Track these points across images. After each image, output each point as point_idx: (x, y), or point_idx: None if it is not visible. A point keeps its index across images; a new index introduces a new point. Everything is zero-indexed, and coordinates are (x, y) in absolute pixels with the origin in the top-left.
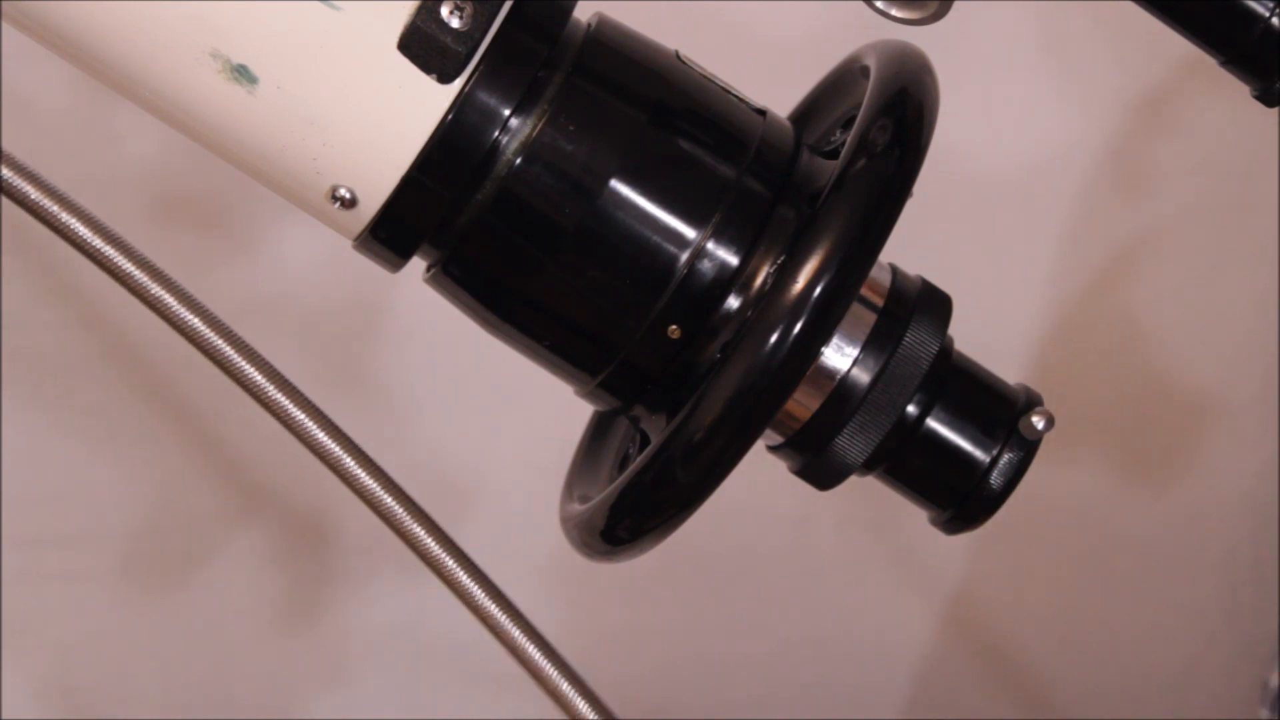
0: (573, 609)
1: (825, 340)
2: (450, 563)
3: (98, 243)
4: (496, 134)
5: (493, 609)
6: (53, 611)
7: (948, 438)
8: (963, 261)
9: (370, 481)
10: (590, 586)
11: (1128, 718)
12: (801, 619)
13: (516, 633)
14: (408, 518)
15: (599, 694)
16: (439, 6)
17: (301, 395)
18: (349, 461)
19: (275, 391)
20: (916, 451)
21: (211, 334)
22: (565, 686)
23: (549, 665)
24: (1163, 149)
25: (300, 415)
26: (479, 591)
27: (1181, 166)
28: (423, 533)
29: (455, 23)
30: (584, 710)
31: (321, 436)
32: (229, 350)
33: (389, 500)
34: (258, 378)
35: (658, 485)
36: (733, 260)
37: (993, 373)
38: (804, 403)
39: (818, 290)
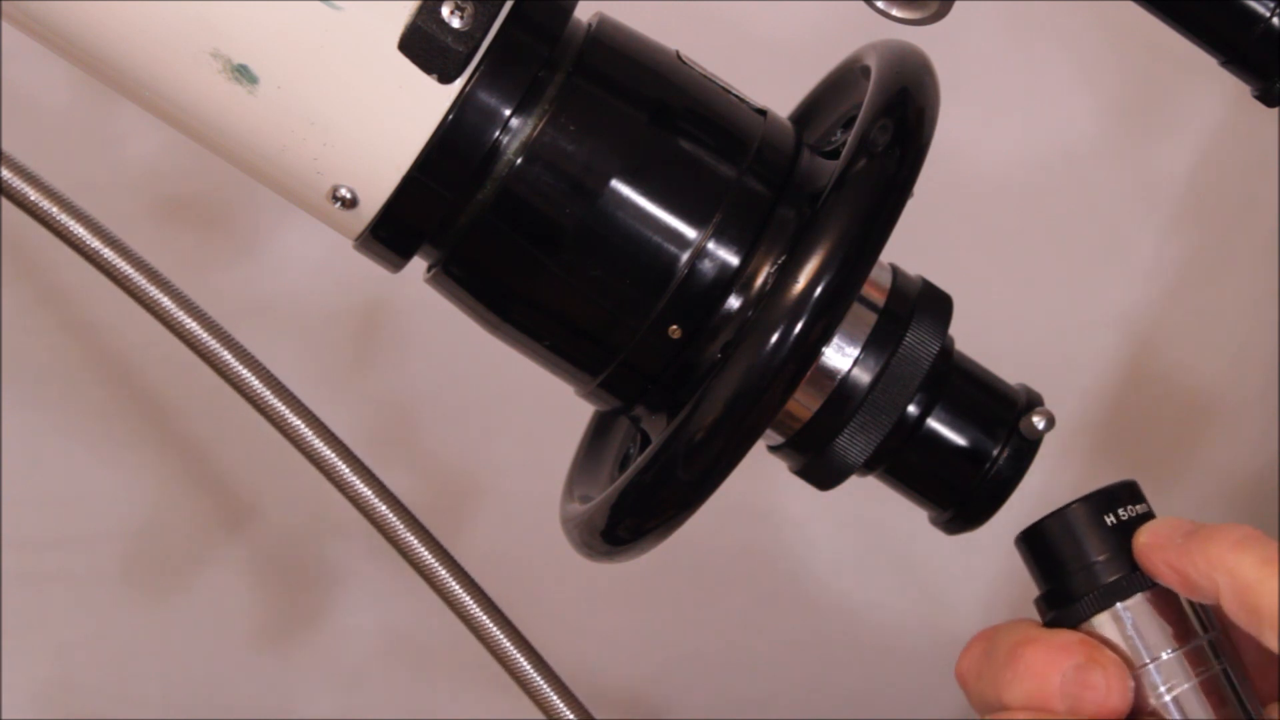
0: (573, 609)
1: (826, 340)
2: (443, 572)
3: (96, 244)
4: (497, 134)
5: (484, 619)
6: (53, 613)
7: (948, 438)
8: (963, 261)
9: (364, 489)
10: (591, 587)
11: None
12: (801, 619)
13: (507, 644)
14: (401, 525)
15: (599, 695)
16: (440, 6)
17: (298, 401)
18: (343, 468)
19: (272, 397)
20: (917, 451)
21: (209, 338)
22: (555, 698)
23: (539, 678)
24: (1162, 149)
25: (296, 421)
26: (470, 601)
27: (1181, 166)
28: (416, 541)
29: (456, 23)
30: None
31: (317, 443)
32: (226, 355)
33: (383, 508)
34: (254, 382)
35: (658, 485)
36: (733, 260)
37: (993, 373)
38: (804, 403)
39: (819, 290)
